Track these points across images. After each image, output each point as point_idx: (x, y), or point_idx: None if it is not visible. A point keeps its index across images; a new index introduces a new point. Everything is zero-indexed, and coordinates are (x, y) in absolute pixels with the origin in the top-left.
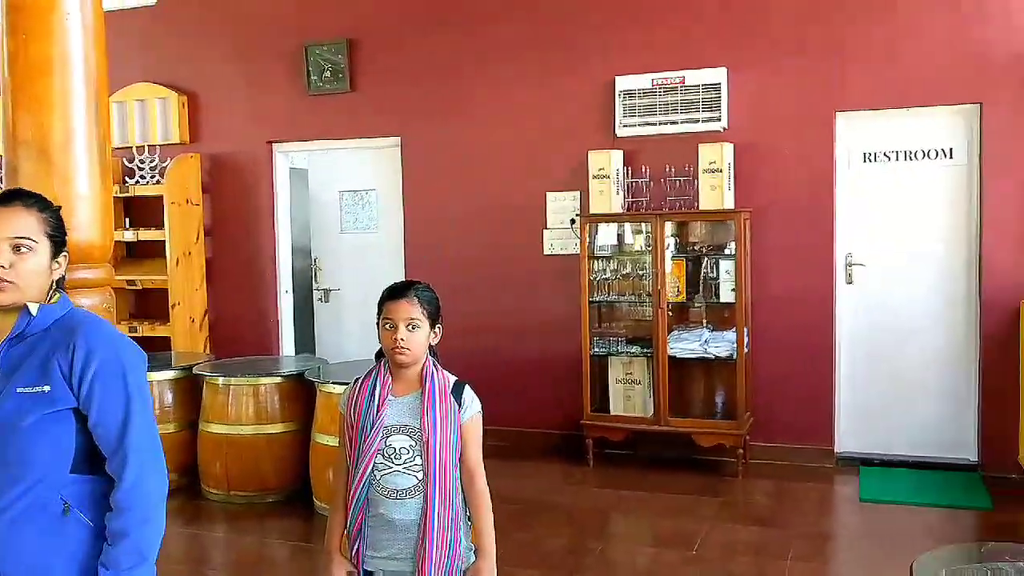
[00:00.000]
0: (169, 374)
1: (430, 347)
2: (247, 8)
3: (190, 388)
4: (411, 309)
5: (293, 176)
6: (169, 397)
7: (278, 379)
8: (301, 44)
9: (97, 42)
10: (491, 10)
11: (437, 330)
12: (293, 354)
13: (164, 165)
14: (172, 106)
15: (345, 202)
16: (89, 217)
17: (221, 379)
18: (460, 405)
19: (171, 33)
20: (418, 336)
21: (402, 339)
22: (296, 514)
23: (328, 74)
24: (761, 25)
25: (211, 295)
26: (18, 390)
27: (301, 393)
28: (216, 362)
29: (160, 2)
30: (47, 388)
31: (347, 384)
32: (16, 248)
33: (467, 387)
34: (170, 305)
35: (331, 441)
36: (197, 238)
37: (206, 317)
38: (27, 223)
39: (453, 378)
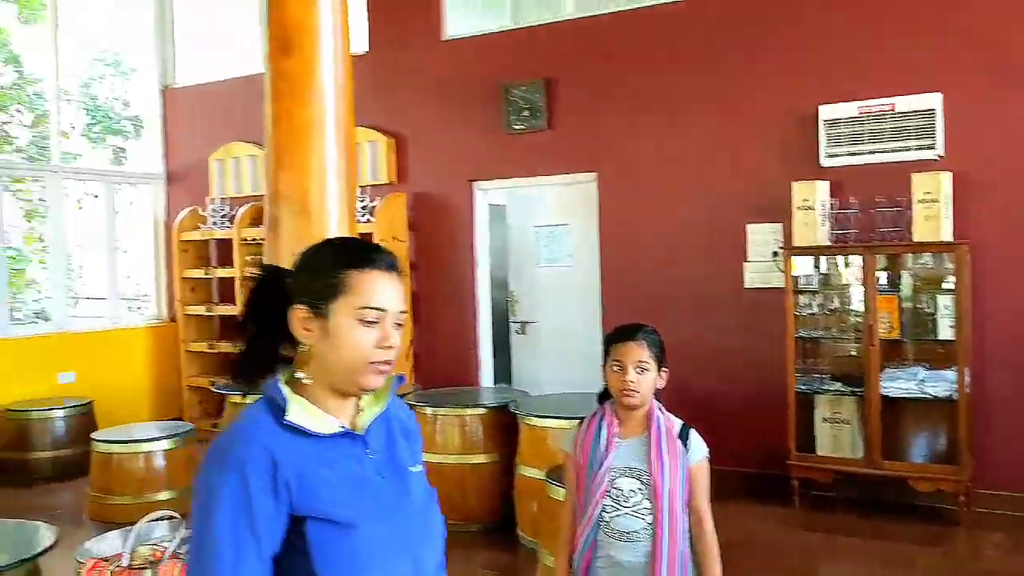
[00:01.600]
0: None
1: (655, 390)
2: (449, 54)
3: None
4: (640, 351)
5: (492, 212)
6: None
7: (482, 410)
8: (500, 85)
9: (348, 104)
10: (685, 43)
11: (663, 373)
12: (492, 385)
13: (374, 204)
14: (381, 148)
15: (541, 236)
16: None
17: (429, 409)
18: (687, 448)
19: (379, 79)
20: (646, 379)
21: (631, 381)
22: (500, 545)
23: (526, 113)
24: (980, 48)
25: (416, 327)
26: (411, 469)
27: (503, 424)
28: (424, 392)
29: (370, 50)
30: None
31: (548, 416)
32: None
33: (693, 431)
34: None
35: (535, 473)
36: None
37: (411, 348)
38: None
39: (679, 421)
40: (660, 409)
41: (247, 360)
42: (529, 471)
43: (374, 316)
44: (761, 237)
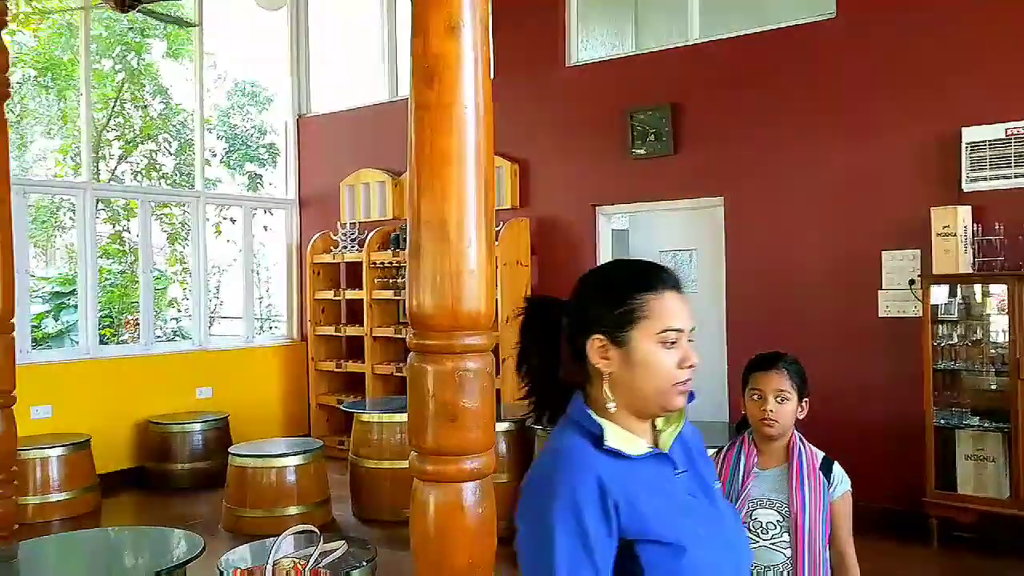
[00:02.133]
0: (503, 426)
1: (796, 420)
2: (573, 79)
3: (520, 441)
4: (780, 380)
5: (615, 237)
6: (503, 447)
7: None
8: (624, 110)
9: (487, 133)
10: (817, 65)
11: (804, 403)
12: None
13: (498, 229)
14: (505, 173)
15: (666, 262)
16: (477, 289)
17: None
18: (830, 482)
19: (504, 105)
20: (786, 408)
21: (771, 411)
22: None
23: (651, 138)
24: None
25: None
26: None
27: None
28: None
29: (495, 76)
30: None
31: None
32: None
33: (836, 464)
34: (501, 360)
35: None
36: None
37: None
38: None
39: (821, 453)
40: (801, 440)
41: (542, 394)
42: None
43: (674, 337)
44: (897, 264)
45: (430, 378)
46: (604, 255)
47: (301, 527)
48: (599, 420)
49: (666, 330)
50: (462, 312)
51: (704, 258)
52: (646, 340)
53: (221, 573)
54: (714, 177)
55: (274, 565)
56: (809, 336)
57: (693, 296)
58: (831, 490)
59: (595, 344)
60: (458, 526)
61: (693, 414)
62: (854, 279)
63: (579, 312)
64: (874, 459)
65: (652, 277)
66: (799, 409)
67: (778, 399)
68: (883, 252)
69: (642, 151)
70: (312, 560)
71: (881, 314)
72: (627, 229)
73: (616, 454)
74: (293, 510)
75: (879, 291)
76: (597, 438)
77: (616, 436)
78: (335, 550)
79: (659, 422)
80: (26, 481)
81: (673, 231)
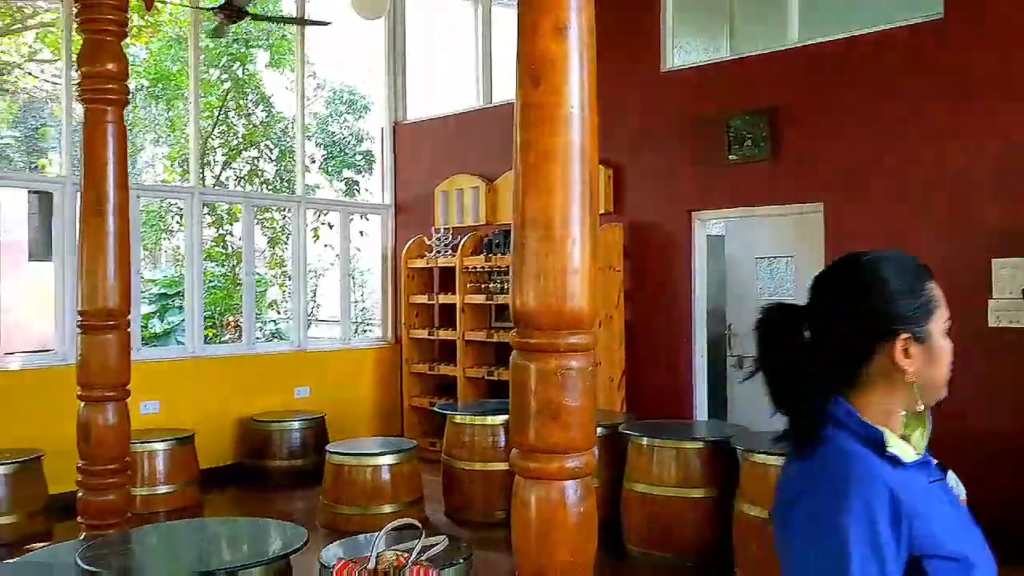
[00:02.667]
0: (597, 431)
1: None
2: (668, 85)
3: (612, 445)
4: None
5: (710, 243)
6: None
7: (700, 444)
8: (721, 116)
9: (592, 133)
10: (917, 68)
11: None
12: (705, 419)
13: None
14: (600, 179)
15: (762, 268)
16: (580, 288)
17: (646, 440)
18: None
19: (599, 109)
20: None
21: None
22: None
23: (748, 143)
24: None
25: (628, 357)
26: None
27: (720, 460)
28: (641, 422)
29: None
30: None
31: (772, 453)
32: None
33: (951, 471)
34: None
35: (757, 512)
36: (617, 303)
37: (623, 377)
38: None
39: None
40: None
41: (794, 403)
42: (751, 509)
43: (949, 326)
44: (1009, 272)
45: (533, 376)
46: (699, 262)
47: (404, 520)
48: (878, 426)
49: (948, 319)
50: (565, 310)
51: (802, 265)
52: (939, 332)
53: (323, 565)
54: (813, 183)
55: (377, 556)
56: None
57: (791, 302)
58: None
59: (901, 344)
60: (559, 523)
61: (769, 422)
62: (962, 288)
63: (865, 313)
64: (988, 476)
65: (925, 266)
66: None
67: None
68: (993, 260)
69: (739, 157)
70: (415, 553)
71: (991, 324)
72: (723, 235)
73: (895, 461)
74: (387, 508)
75: (989, 300)
76: (879, 445)
77: (895, 442)
78: (436, 544)
79: (903, 425)
80: (134, 473)
81: (770, 237)
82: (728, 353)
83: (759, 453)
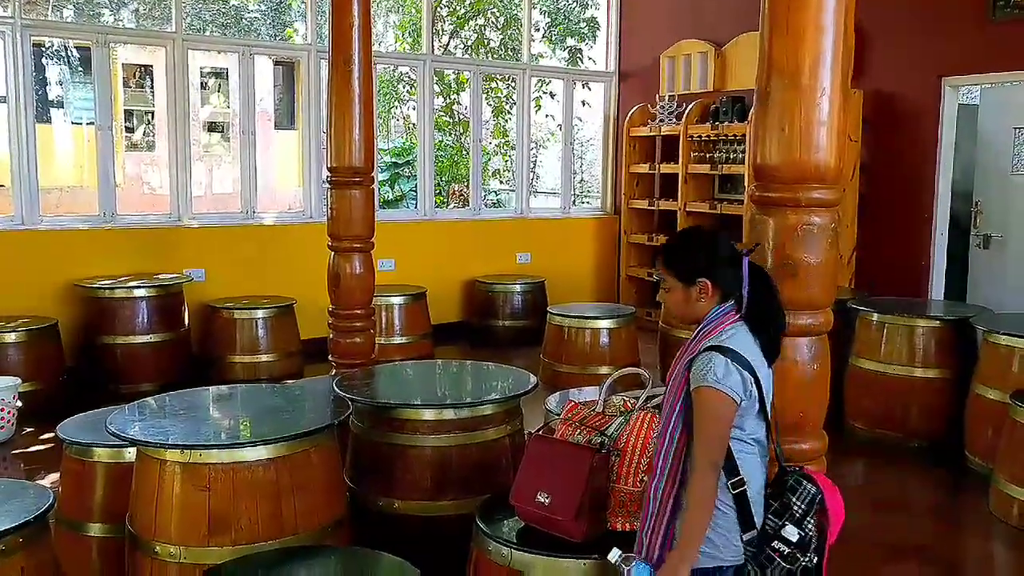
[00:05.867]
0: None
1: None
2: None
3: (839, 321)
4: (659, 269)
5: (961, 113)
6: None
7: (936, 323)
8: None
9: None
10: None
11: (701, 286)
12: (942, 300)
13: None
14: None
15: (1019, 141)
16: (827, 141)
17: (876, 316)
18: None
19: None
20: (670, 298)
21: (659, 299)
22: (943, 465)
23: None
24: None
25: (861, 232)
26: None
27: (956, 341)
28: (871, 298)
29: None
30: None
31: (1018, 336)
32: None
33: (706, 354)
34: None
35: (996, 395)
36: (853, 174)
37: (853, 254)
38: None
39: (724, 341)
40: (712, 329)
41: None
42: (989, 392)
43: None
44: None
45: (771, 231)
46: (947, 132)
47: (632, 369)
48: None
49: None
50: (810, 163)
51: None
52: None
53: (548, 411)
54: None
55: (605, 401)
56: None
57: None
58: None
59: None
60: (791, 381)
61: (1015, 305)
62: None
63: None
64: None
65: None
66: (699, 295)
67: (664, 288)
68: None
69: (1005, 15)
70: (641, 400)
71: None
72: (976, 104)
73: None
74: (604, 369)
75: None
76: None
77: None
78: (661, 394)
79: None
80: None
81: None
82: (973, 231)
83: (1002, 334)
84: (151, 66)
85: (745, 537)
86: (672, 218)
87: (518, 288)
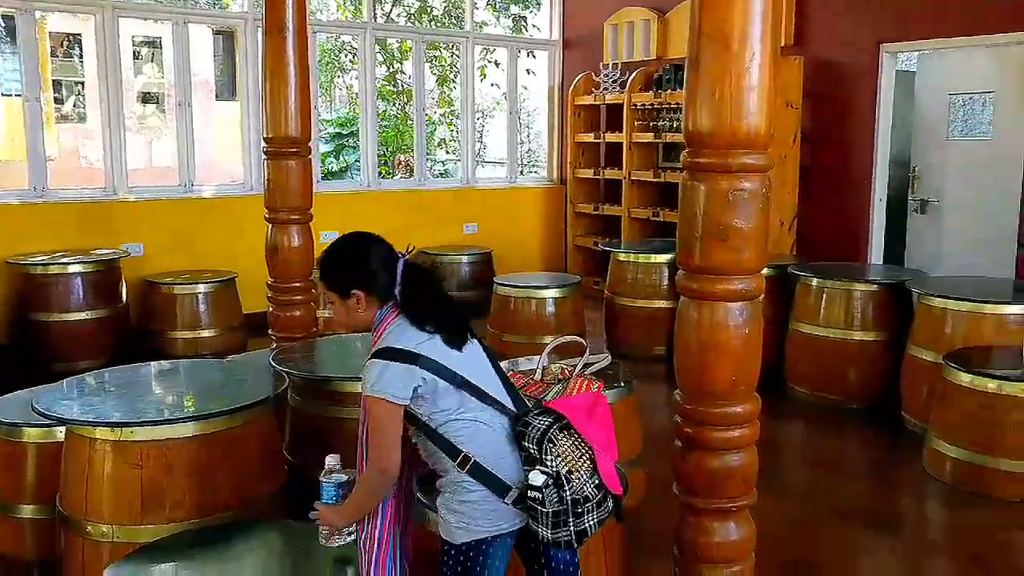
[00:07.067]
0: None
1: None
2: None
3: (779, 287)
4: (322, 287)
5: (898, 79)
6: None
7: (873, 287)
8: None
9: None
10: None
11: (357, 296)
12: (880, 264)
13: None
14: (780, 5)
15: (956, 106)
16: (757, 106)
17: (815, 281)
18: None
19: None
20: (337, 311)
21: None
22: (880, 425)
23: None
24: None
25: (802, 199)
26: None
27: (893, 304)
28: (810, 264)
29: None
30: None
31: (951, 297)
32: None
33: (372, 360)
34: None
35: (931, 356)
36: (794, 142)
37: (794, 220)
38: None
39: (385, 344)
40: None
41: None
42: (923, 353)
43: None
44: None
45: (702, 196)
46: (885, 99)
47: (569, 337)
48: None
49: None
50: (740, 129)
51: (1005, 102)
52: None
53: None
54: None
55: (543, 369)
56: None
57: (983, 145)
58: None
59: None
60: (722, 345)
61: (972, 269)
62: None
63: None
64: None
65: None
66: (357, 306)
67: (328, 301)
68: None
69: None
70: (578, 367)
71: None
72: (914, 71)
73: None
74: (550, 339)
75: None
76: None
77: None
78: (598, 362)
79: None
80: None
81: (967, 72)
82: (911, 197)
83: (936, 297)
84: (80, 35)
85: (507, 500)
86: (618, 187)
87: (465, 259)
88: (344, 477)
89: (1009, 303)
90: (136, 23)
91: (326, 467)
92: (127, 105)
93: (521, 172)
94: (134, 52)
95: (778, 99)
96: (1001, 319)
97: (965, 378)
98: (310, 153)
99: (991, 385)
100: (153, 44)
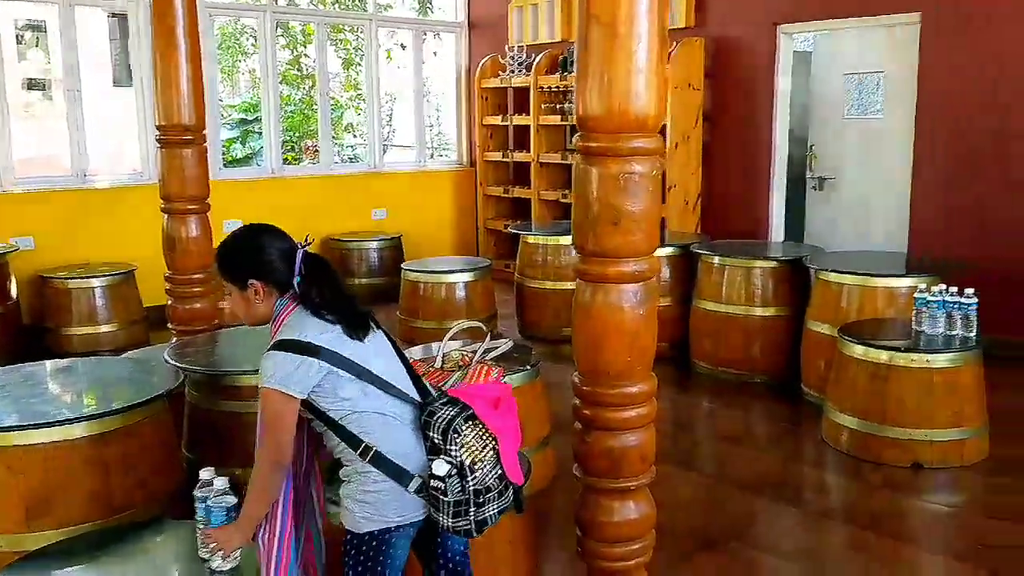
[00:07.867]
0: (666, 251)
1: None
2: None
3: (684, 265)
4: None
5: (796, 60)
6: (666, 272)
7: (773, 263)
8: None
9: None
10: None
11: (254, 287)
12: (781, 241)
13: (669, 51)
14: None
15: (850, 86)
16: (646, 90)
17: (717, 259)
18: None
19: None
20: (234, 303)
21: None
22: (783, 398)
23: None
24: None
25: (705, 179)
26: None
27: (792, 280)
28: (713, 242)
29: None
30: None
31: (846, 272)
32: None
33: (267, 354)
34: (667, 187)
35: (826, 330)
36: (696, 122)
37: (699, 200)
38: None
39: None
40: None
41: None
42: (821, 327)
43: None
44: None
45: (594, 180)
46: (783, 79)
47: (470, 323)
48: None
49: None
50: (629, 113)
51: (893, 82)
52: None
53: None
54: None
55: (443, 356)
56: (1004, 166)
57: (876, 122)
58: None
59: None
60: (617, 326)
61: (867, 244)
62: None
63: None
64: None
65: None
66: (255, 297)
67: (227, 293)
68: None
69: None
70: (479, 353)
71: None
72: (810, 51)
73: None
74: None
75: None
76: None
77: None
78: (499, 347)
79: None
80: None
81: (860, 52)
82: (808, 175)
83: (831, 272)
84: None
85: (410, 489)
86: (527, 170)
87: (374, 245)
88: (234, 499)
89: (900, 276)
90: (17, 5)
91: (208, 484)
92: (11, 93)
93: (431, 156)
94: (17, 36)
95: (680, 81)
96: (892, 292)
97: (858, 350)
98: (205, 140)
99: (883, 356)
100: (38, 28)
